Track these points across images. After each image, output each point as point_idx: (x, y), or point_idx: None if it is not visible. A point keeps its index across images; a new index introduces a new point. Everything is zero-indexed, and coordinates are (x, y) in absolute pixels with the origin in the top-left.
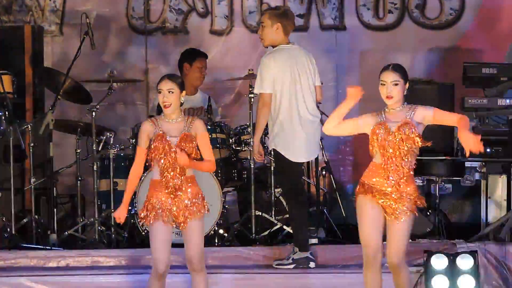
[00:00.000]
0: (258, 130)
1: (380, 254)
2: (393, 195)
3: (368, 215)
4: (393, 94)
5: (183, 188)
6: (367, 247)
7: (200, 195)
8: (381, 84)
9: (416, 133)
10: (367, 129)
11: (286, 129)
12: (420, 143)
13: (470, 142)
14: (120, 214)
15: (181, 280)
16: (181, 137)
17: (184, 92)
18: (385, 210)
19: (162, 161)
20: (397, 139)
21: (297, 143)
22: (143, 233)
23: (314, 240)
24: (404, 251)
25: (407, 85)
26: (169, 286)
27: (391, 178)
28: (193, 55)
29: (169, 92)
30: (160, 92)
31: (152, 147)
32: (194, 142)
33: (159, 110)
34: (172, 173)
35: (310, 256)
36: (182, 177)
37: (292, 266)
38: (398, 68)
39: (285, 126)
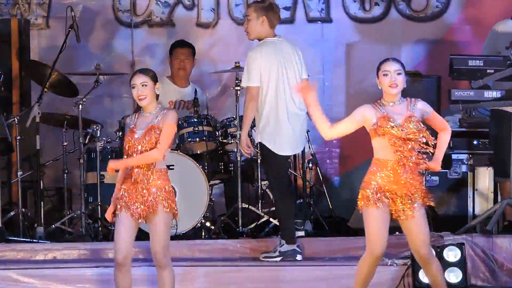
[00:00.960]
0: (245, 124)
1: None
2: (403, 194)
3: (374, 218)
4: (398, 82)
5: (148, 182)
6: (374, 245)
7: (169, 190)
8: (384, 74)
9: (423, 127)
10: (367, 123)
11: (272, 122)
12: (426, 137)
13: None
14: (108, 214)
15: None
16: (146, 130)
17: (158, 84)
18: (393, 210)
19: (128, 153)
20: (404, 133)
21: (283, 136)
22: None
23: (301, 233)
24: (429, 241)
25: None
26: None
27: (402, 176)
28: (172, 46)
29: (142, 85)
30: (134, 87)
31: (125, 141)
32: (159, 132)
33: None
34: (140, 166)
35: (297, 249)
36: (149, 172)
37: (279, 258)
38: (398, 60)
39: (271, 120)
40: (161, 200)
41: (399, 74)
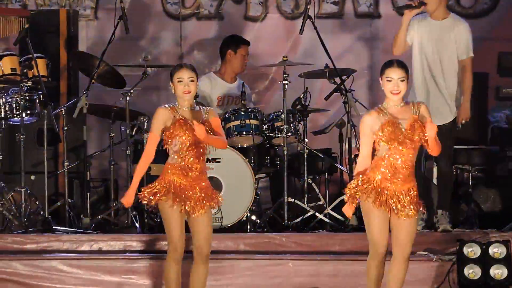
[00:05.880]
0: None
1: (386, 251)
2: (398, 193)
3: (376, 218)
4: (400, 89)
5: (200, 177)
6: (376, 246)
7: (211, 189)
8: (387, 80)
9: (424, 131)
10: (373, 131)
11: None
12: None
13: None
14: (128, 199)
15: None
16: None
17: (198, 81)
18: (390, 210)
19: (186, 143)
20: (409, 137)
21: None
22: None
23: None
24: (411, 247)
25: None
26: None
27: (399, 175)
28: (238, 42)
29: (190, 80)
30: (180, 81)
31: (174, 131)
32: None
33: None
34: (192, 159)
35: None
36: (202, 166)
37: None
38: (403, 65)
39: None
40: (206, 199)
41: (402, 81)
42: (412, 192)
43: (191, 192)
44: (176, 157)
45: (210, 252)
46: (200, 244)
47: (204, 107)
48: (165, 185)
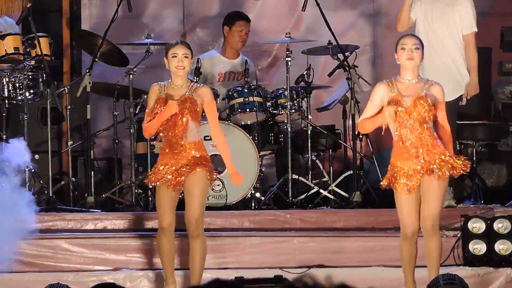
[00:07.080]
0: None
1: (417, 232)
2: (421, 170)
3: (405, 202)
4: (414, 56)
5: (185, 151)
6: (405, 226)
7: (204, 161)
8: (401, 48)
9: (431, 106)
10: (383, 102)
11: None
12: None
13: None
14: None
15: None
16: (181, 100)
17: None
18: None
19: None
20: (412, 115)
21: None
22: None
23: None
24: (438, 214)
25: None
26: None
27: (419, 154)
28: (232, 18)
29: (184, 56)
30: (174, 57)
31: (155, 109)
32: (195, 106)
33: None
34: (171, 134)
35: None
36: (185, 142)
37: None
38: (417, 37)
39: None
40: (196, 171)
41: (416, 49)
42: (442, 156)
43: (174, 168)
44: (162, 135)
45: (215, 229)
46: (186, 219)
47: (198, 85)
48: (157, 168)
